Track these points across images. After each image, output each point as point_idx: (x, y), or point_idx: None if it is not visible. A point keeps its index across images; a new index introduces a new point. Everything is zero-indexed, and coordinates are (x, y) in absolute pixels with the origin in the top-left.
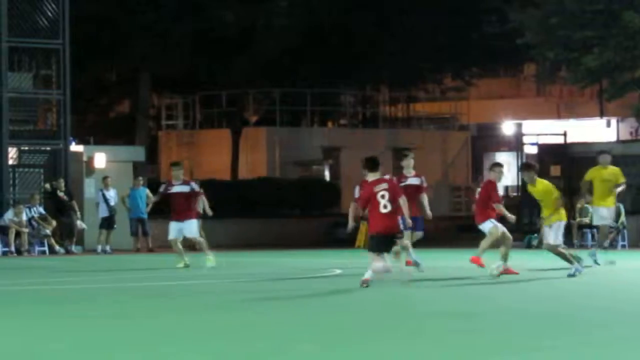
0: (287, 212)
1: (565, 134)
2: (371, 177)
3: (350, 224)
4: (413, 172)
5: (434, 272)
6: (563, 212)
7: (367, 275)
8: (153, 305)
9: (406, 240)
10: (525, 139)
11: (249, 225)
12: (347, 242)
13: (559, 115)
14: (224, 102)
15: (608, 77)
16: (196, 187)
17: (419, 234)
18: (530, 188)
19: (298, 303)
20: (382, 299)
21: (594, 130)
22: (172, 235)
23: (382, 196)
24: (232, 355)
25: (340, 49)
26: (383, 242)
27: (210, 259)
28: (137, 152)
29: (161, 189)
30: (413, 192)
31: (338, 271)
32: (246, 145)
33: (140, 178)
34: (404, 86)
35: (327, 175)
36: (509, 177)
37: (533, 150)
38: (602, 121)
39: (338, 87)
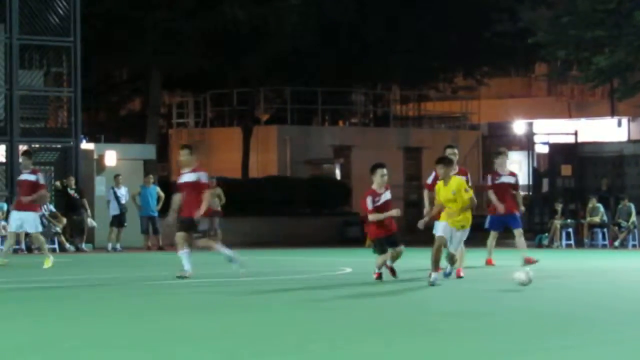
0: (297, 211)
1: (576, 134)
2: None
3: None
4: (507, 171)
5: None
6: (469, 215)
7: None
8: (162, 303)
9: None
10: (536, 139)
11: (259, 223)
12: (357, 241)
13: (570, 115)
14: (235, 101)
15: (619, 77)
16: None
17: (520, 231)
18: (440, 185)
19: (308, 301)
20: (393, 298)
21: (605, 129)
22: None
23: None
24: (242, 354)
25: (351, 47)
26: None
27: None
28: (148, 150)
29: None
30: (507, 189)
31: (348, 270)
32: (257, 143)
33: (151, 176)
34: (415, 85)
35: (337, 174)
36: (520, 176)
37: (544, 149)
38: (614, 121)
39: (349, 85)
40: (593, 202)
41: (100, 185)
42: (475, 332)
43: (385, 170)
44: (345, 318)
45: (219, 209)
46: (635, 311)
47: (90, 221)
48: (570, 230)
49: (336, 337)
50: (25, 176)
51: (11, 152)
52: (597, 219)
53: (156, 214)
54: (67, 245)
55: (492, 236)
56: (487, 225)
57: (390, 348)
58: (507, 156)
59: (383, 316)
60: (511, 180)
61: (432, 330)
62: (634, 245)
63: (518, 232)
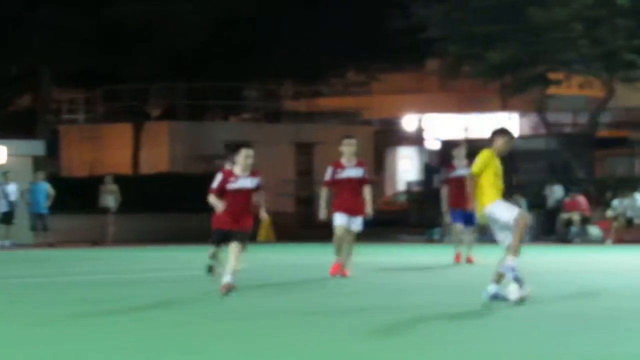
0: (189, 207)
1: (467, 129)
2: None
3: None
4: (465, 163)
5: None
6: None
7: None
8: (44, 299)
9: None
10: (427, 134)
11: (151, 220)
12: (251, 236)
13: (461, 110)
14: (126, 96)
15: (511, 73)
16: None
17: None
18: None
19: (199, 298)
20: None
21: (496, 124)
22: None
23: None
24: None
25: (244, 43)
26: None
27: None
28: (38, 147)
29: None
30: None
31: (242, 265)
32: (148, 139)
33: (41, 172)
34: (307, 81)
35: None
36: (412, 171)
37: (436, 144)
38: (504, 116)
39: (242, 81)
40: None
41: None
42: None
43: (251, 152)
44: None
45: (112, 205)
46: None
47: None
48: None
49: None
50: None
51: None
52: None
53: (46, 211)
54: None
55: (459, 230)
56: (451, 219)
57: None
58: (465, 148)
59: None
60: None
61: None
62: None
63: (471, 230)
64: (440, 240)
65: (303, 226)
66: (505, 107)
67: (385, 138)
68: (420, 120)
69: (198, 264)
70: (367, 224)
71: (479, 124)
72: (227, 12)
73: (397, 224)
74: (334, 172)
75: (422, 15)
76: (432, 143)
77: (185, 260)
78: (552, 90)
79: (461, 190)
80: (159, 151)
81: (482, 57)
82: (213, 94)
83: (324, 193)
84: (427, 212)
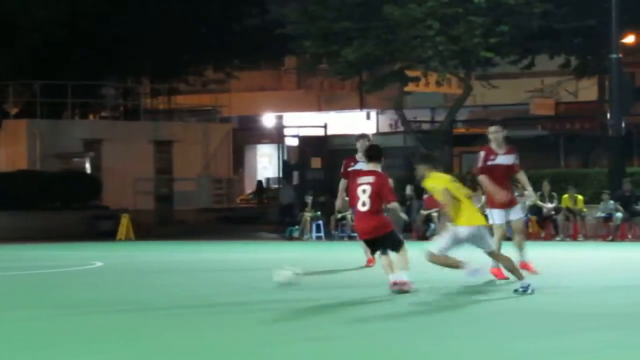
0: (48, 205)
1: (325, 126)
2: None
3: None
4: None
5: (192, 264)
6: None
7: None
8: None
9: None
10: (286, 132)
11: (10, 218)
12: (109, 234)
13: (319, 108)
14: None
15: (368, 70)
16: None
17: None
18: None
19: (56, 298)
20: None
21: (354, 122)
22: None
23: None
24: None
25: (102, 40)
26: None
27: None
28: None
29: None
30: None
31: (99, 264)
32: (6, 137)
33: None
34: (165, 78)
35: (88, 167)
36: (270, 169)
37: (294, 142)
38: (362, 113)
39: (100, 79)
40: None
41: None
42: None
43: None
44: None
45: None
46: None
47: None
48: (321, 222)
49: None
50: None
51: None
52: (348, 213)
53: None
54: None
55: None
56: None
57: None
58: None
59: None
60: None
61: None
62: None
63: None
64: (299, 238)
65: (162, 224)
66: (363, 104)
67: (244, 136)
68: (279, 118)
69: (59, 262)
70: (224, 221)
71: (337, 122)
72: (85, 9)
73: (255, 221)
74: (487, 159)
75: (279, 12)
76: (291, 140)
77: (47, 257)
78: (409, 87)
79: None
80: (18, 149)
81: (338, 54)
82: (71, 92)
83: (483, 179)
84: (287, 209)
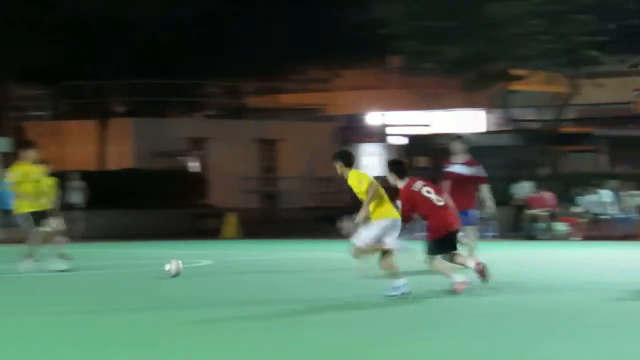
0: (153, 203)
1: (430, 125)
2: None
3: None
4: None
5: (297, 262)
6: None
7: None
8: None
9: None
10: (390, 130)
11: (115, 216)
12: (213, 232)
13: (424, 106)
14: (90, 93)
15: (472, 68)
16: None
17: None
18: None
19: (165, 295)
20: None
21: (460, 121)
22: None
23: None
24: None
25: (207, 39)
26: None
27: None
28: (3, 143)
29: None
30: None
31: (206, 262)
32: (112, 136)
33: (7, 169)
34: (270, 77)
35: (193, 166)
36: (376, 167)
37: (398, 141)
38: (469, 112)
39: (205, 78)
40: None
41: None
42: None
43: None
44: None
45: (79, 202)
46: (495, 303)
47: None
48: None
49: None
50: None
51: None
52: None
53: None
54: None
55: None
56: None
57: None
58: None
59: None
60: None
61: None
62: (493, 236)
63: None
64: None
65: (267, 222)
66: (469, 103)
67: (348, 134)
68: (384, 117)
69: (165, 260)
70: (328, 219)
71: (442, 121)
72: (189, 9)
73: None
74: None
75: (383, 10)
76: (395, 139)
77: (149, 256)
78: (515, 86)
79: (456, 188)
80: (123, 148)
81: (443, 53)
82: (177, 91)
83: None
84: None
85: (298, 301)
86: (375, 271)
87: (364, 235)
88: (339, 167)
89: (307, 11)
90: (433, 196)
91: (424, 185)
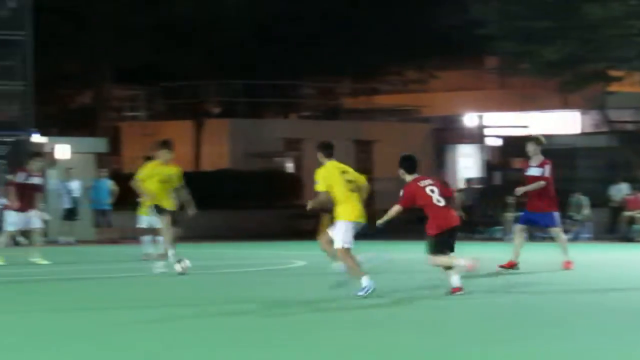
0: (249, 204)
1: (527, 127)
2: (409, 178)
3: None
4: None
5: (397, 263)
6: None
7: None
8: (105, 296)
9: None
10: (487, 132)
11: (211, 217)
12: (310, 233)
13: (521, 108)
14: (185, 94)
15: (569, 70)
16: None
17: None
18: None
19: (259, 295)
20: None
21: (557, 122)
22: None
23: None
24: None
25: (303, 40)
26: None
27: None
28: (100, 144)
29: None
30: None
31: (301, 262)
32: (208, 137)
33: (104, 169)
34: (365, 78)
35: (289, 166)
36: (472, 169)
37: (495, 142)
38: (564, 113)
39: (300, 78)
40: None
41: (52, 179)
42: (435, 324)
43: None
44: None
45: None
46: (589, 303)
47: (42, 214)
48: None
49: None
50: None
51: None
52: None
53: (108, 207)
54: (21, 238)
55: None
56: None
57: (340, 342)
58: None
59: (334, 308)
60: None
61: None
62: (587, 238)
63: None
64: (501, 239)
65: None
66: (565, 104)
67: (445, 135)
68: (480, 118)
69: (261, 260)
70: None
71: (539, 122)
72: (286, 9)
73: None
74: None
75: (479, 11)
76: (492, 140)
77: (249, 256)
78: (613, 87)
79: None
80: (219, 148)
81: (539, 54)
82: (272, 92)
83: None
84: (488, 210)
85: (396, 301)
86: (474, 273)
87: (338, 238)
88: (319, 157)
89: (403, 12)
90: (435, 195)
91: (431, 185)
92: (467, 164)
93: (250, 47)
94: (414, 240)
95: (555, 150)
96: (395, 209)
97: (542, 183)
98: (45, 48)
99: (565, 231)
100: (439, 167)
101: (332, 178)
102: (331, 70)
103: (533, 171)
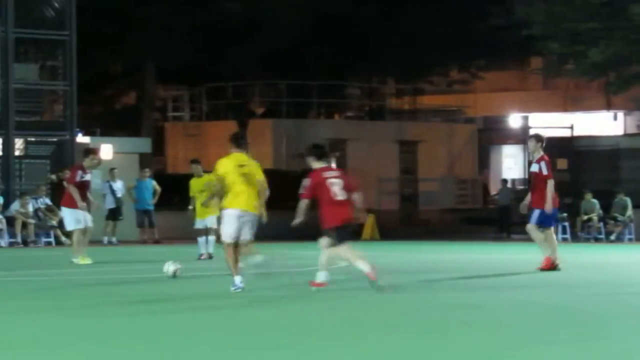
0: (291, 205)
1: (571, 127)
2: (317, 165)
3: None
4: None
5: (439, 264)
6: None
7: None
8: (151, 295)
9: None
10: (531, 132)
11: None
12: (354, 234)
13: (565, 108)
14: (230, 94)
15: (614, 70)
16: None
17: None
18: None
19: (290, 298)
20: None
21: (601, 123)
22: None
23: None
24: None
25: (346, 41)
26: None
27: None
28: (143, 144)
29: None
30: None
31: (343, 263)
32: (252, 137)
33: (147, 169)
34: (410, 78)
35: (333, 167)
36: (516, 169)
37: None
38: (609, 114)
39: (344, 79)
40: (588, 197)
41: (96, 179)
42: (466, 325)
43: None
44: (335, 313)
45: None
46: (636, 304)
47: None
48: (566, 224)
49: (330, 332)
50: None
51: (7, 145)
52: (594, 215)
53: (152, 208)
54: (63, 238)
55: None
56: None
57: (384, 342)
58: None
59: (375, 311)
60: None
61: (426, 323)
62: (629, 239)
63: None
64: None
65: (406, 224)
66: (610, 105)
67: (489, 136)
68: (525, 119)
69: (304, 261)
70: (469, 221)
71: (583, 123)
72: (332, 10)
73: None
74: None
75: (524, 11)
76: None
77: (298, 256)
78: None
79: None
80: (263, 149)
81: (584, 55)
82: (316, 92)
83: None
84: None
85: (437, 304)
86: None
87: (223, 232)
88: (230, 148)
89: (449, 13)
90: (335, 189)
91: (336, 177)
92: (510, 164)
93: (297, 47)
94: (464, 242)
95: (599, 151)
96: (303, 203)
97: (551, 182)
98: (89, 48)
99: (609, 232)
100: (483, 167)
101: (226, 168)
102: (376, 70)
103: (532, 167)
